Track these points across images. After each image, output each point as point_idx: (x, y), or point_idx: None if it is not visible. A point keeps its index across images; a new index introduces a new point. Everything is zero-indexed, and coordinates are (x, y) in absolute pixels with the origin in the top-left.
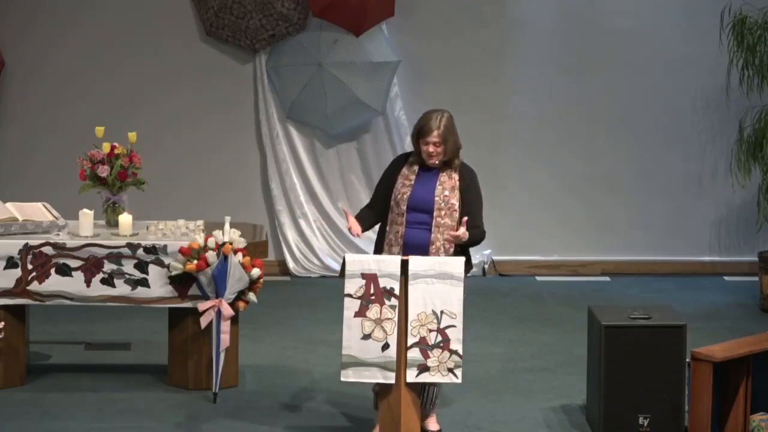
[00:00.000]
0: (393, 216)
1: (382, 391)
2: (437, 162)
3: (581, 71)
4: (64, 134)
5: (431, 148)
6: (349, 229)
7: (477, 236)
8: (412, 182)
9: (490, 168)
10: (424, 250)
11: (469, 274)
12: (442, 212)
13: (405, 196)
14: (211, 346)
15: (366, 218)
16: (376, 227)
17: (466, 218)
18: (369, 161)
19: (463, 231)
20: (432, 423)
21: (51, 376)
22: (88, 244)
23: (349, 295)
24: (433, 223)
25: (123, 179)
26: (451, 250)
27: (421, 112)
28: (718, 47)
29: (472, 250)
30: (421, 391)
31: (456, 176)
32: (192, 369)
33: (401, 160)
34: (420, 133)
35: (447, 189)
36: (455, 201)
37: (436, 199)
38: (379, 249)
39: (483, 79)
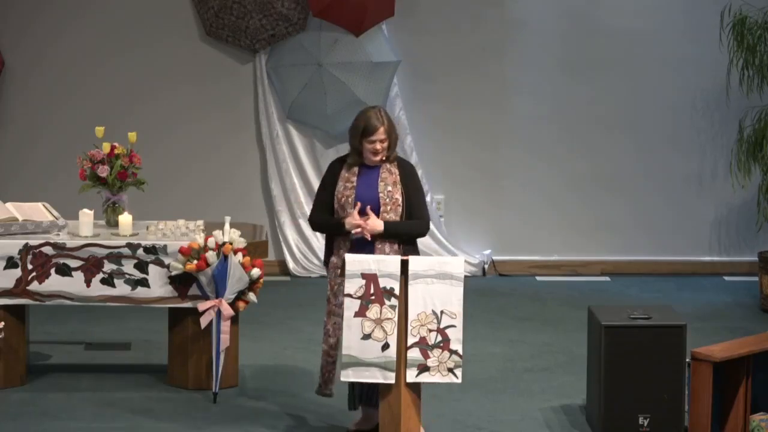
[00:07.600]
0: None
1: (382, 391)
2: (381, 159)
3: (581, 71)
4: (63, 134)
5: (378, 146)
6: (360, 228)
7: (417, 227)
8: (354, 183)
9: (490, 168)
10: (370, 248)
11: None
12: (388, 207)
13: (350, 199)
14: (211, 346)
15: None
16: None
17: (368, 206)
18: None
19: (372, 222)
20: None
21: (51, 376)
22: (88, 244)
23: (349, 295)
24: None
25: (123, 179)
26: (395, 246)
27: (421, 112)
28: (718, 47)
29: (472, 250)
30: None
31: (396, 170)
32: (192, 369)
33: (337, 165)
34: (364, 132)
35: (389, 184)
36: (398, 196)
37: (380, 195)
38: (329, 254)
39: (483, 79)
